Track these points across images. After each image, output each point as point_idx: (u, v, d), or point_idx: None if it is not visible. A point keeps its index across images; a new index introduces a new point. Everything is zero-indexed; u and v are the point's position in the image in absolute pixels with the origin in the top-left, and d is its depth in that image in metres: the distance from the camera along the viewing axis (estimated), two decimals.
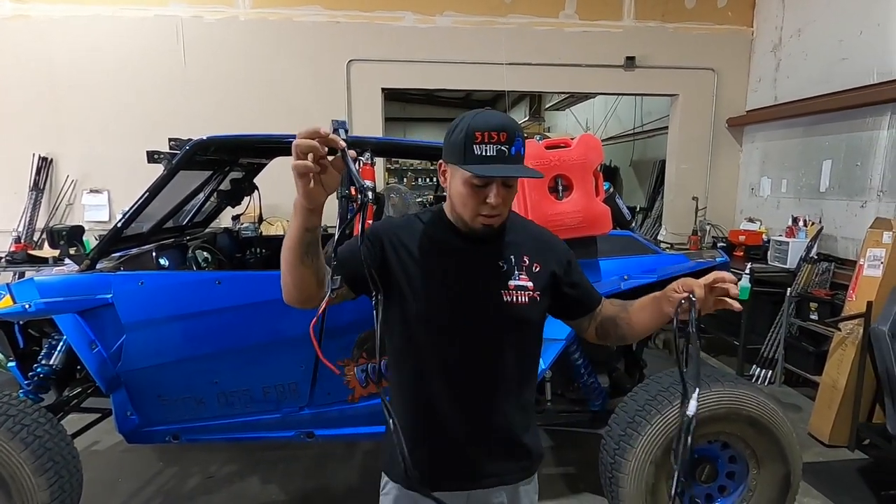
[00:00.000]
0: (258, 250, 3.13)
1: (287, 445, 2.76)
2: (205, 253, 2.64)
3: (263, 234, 3.72)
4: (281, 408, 2.16)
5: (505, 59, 4.73)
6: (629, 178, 7.41)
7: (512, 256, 1.17)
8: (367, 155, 2.18)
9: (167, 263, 2.35)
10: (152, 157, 2.25)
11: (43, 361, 2.23)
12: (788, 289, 3.66)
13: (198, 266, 2.51)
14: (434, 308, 1.11)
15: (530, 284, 1.17)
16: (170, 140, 2.25)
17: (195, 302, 2.05)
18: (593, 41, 4.85)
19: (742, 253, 4.30)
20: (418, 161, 11.90)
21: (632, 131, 6.86)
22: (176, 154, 2.15)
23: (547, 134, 8.70)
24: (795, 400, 3.55)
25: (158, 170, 2.17)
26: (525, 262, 1.18)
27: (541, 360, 2.13)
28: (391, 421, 1.02)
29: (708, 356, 4.55)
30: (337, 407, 2.19)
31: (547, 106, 8.96)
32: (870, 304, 2.61)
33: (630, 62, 4.86)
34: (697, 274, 2.27)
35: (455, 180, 1.09)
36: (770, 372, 3.72)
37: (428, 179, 11.65)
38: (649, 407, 1.94)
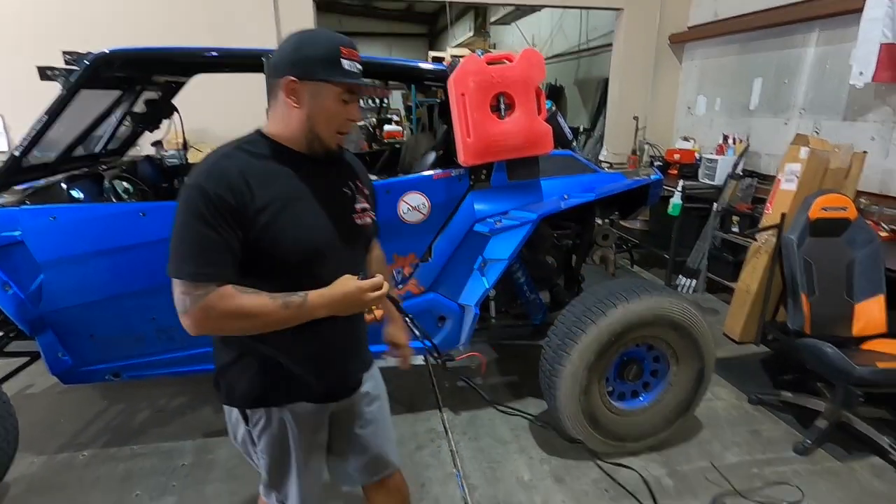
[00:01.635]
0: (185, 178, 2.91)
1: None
2: (124, 183, 2.43)
3: (191, 161, 3.45)
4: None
5: None
6: (573, 98, 7.37)
7: (350, 182, 1.22)
8: None
9: (81, 196, 2.15)
10: (45, 73, 1.96)
11: None
12: (715, 204, 3.90)
13: (117, 197, 2.31)
14: (305, 237, 1.10)
15: (368, 206, 1.25)
16: (64, 53, 1.97)
17: (119, 236, 1.91)
18: None
19: (676, 171, 4.49)
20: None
21: (577, 48, 6.72)
22: (74, 70, 1.89)
23: (490, 49, 8.36)
24: (714, 305, 3.92)
25: (58, 89, 1.92)
26: (359, 185, 1.25)
27: (484, 280, 2.23)
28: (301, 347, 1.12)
29: (641, 269, 4.88)
30: None
31: (492, 20, 8.53)
32: (783, 215, 2.83)
33: None
34: (633, 192, 2.38)
35: (321, 97, 1.08)
36: (694, 281, 4.06)
37: (370, 101, 11.06)
38: (584, 318, 2.08)
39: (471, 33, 8.62)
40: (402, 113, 10.39)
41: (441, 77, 2.13)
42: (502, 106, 2.04)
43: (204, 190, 1.00)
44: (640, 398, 2.28)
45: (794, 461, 2.23)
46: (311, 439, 1.25)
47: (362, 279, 1.09)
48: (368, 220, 1.24)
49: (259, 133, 1.13)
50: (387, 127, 7.25)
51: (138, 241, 1.91)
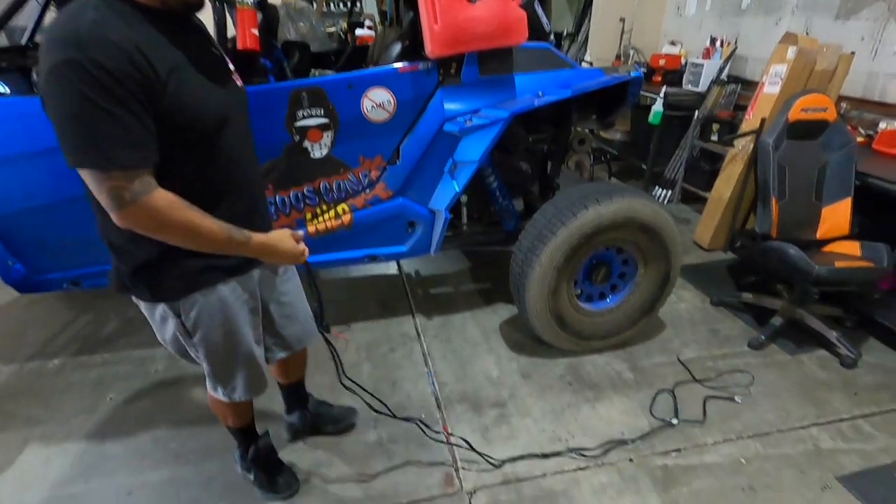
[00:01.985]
0: None
1: None
2: None
3: None
4: None
5: None
6: (558, 1, 6.86)
7: (211, 43, 1.15)
8: None
9: (7, 90, 1.94)
10: None
11: None
12: (696, 111, 3.79)
13: None
14: (211, 103, 1.06)
15: (233, 67, 1.20)
16: None
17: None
18: None
19: (660, 78, 4.30)
20: None
21: None
22: None
23: None
24: (688, 215, 3.96)
25: None
26: (218, 47, 1.18)
27: (454, 184, 2.16)
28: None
29: (619, 182, 4.84)
30: None
31: None
32: (763, 120, 2.76)
33: None
34: (614, 88, 2.26)
35: None
36: (670, 192, 4.06)
37: (342, 5, 10.14)
38: (555, 221, 2.05)
39: None
40: (377, 19, 9.61)
41: None
42: None
43: (99, 63, 0.86)
44: (607, 300, 2.34)
45: (747, 355, 2.36)
46: (247, 312, 1.27)
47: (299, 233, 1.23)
48: (240, 82, 1.21)
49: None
50: (359, 31, 6.69)
51: None
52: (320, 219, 2.16)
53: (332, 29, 6.99)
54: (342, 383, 1.63)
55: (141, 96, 0.92)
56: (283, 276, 1.42)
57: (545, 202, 2.59)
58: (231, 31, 1.94)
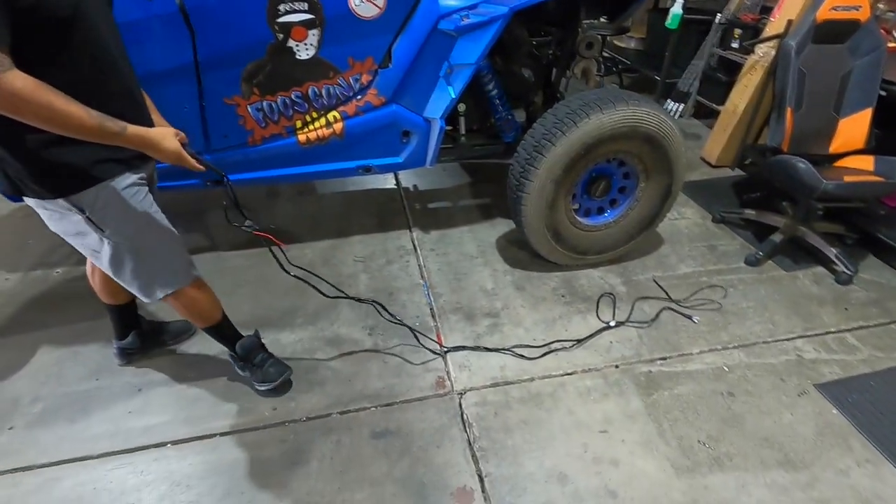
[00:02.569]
0: None
1: (203, 196, 2.71)
2: None
3: None
4: None
5: None
6: None
7: None
8: None
9: None
10: None
11: None
12: (718, 15, 3.49)
13: None
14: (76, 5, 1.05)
15: None
16: None
17: None
18: None
19: None
20: None
21: None
22: None
23: None
24: (698, 130, 3.79)
25: None
26: None
27: (450, 90, 2.04)
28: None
29: None
30: (239, 151, 2.06)
31: None
32: (789, 23, 2.54)
33: None
34: None
35: None
36: (682, 105, 3.86)
37: None
38: (555, 130, 1.96)
39: None
40: None
41: None
42: None
43: None
44: (606, 214, 2.30)
45: (742, 271, 2.36)
46: (151, 200, 1.32)
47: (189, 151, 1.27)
48: None
49: None
50: None
51: None
52: (310, 127, 2.07)
53: None
54: (288, 272, 1.63)
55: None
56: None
57: None
58: None
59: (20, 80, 0.97)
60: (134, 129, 1.14)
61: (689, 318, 2.09)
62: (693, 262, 2.43)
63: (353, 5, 1.83)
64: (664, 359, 1.91)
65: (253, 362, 1.73)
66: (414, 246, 2.51)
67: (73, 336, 1.97)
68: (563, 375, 1.84)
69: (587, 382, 1.81)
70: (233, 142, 2.03)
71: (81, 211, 1.21)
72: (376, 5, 1.85)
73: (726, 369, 1.87)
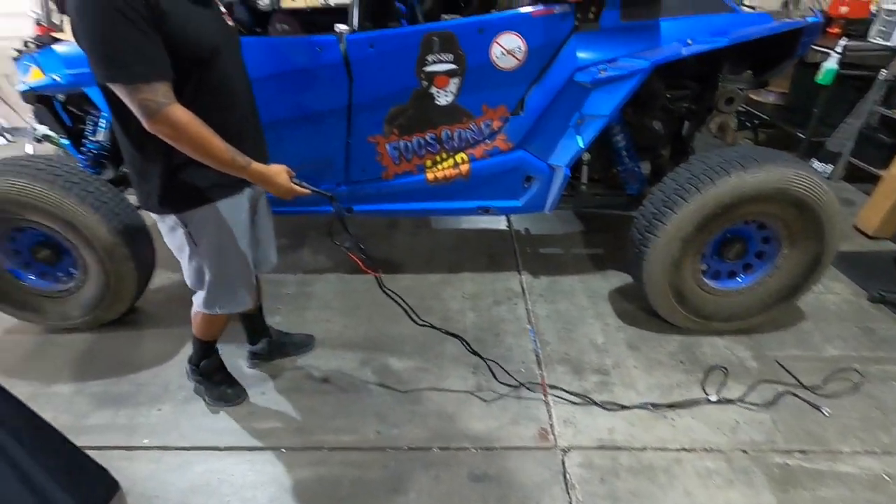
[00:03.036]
0: (280, 26, 2.86)
1: (334, 222, 2.94)
2: None
3: (282, 6, 3.37)
4: (318, 183, 2.21)
5: None
6: None
7: None
8: None
9: None
10: None
11: (91, 138, 2.32)
12: (883, 71, 3.15)
13: None
14: (205, 34, 1.22)
15: (224, 10, 1.36)
16: None
17: None
18: None
19: (839, 29, 3.61)
20: None
21: None
22: None
23: None
24: (851, 195, 3.38)
25: None
26: None
27: (578, 139, 2.05)
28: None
29: None
30: (372, 184, 2.24)
31: None
32: None
33: None
34: (781, 37, 1.94)
35: None
36: (831, 166, 3.48)
37: None
38: (688, 185, 1.87)
39: None
40: None
41: None
42: None
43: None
44: (739, 279, 2.12)
45: None
46: (242, 224, 1.47)
47: (296, 181, 1.43)
48: (230, 21, 1.37)
49: None
50: None
51: None
52: (439, 166, 2.19)
53: None
54: (384, 291, 1.69)
55: (151, 22, 1.09)
56: (262, 202, 1.62)
57: (677, 166, 2.39)
58: None
59: (181, 113, 1.15)
60: (256, 165, 1.31)
61: (819, 409, 1.81)
62: (843, 344, 2.12)
63: (494, 57, 1.93)
64: (804, 452, 1.67)
65: (212, 380, 1.87)
66: (522, 289, 2.49)
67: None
68: (679, 450, 1.68)
69: (708, 464, 1.63)
70: (369, 175, 2.21)
71: (185, 226, 1.39)
72: (516, 58, 1.94)
73: (888, 479, 1.58)
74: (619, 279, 2.53)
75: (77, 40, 1.12)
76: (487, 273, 2.62)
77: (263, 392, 1.93)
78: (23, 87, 2.16)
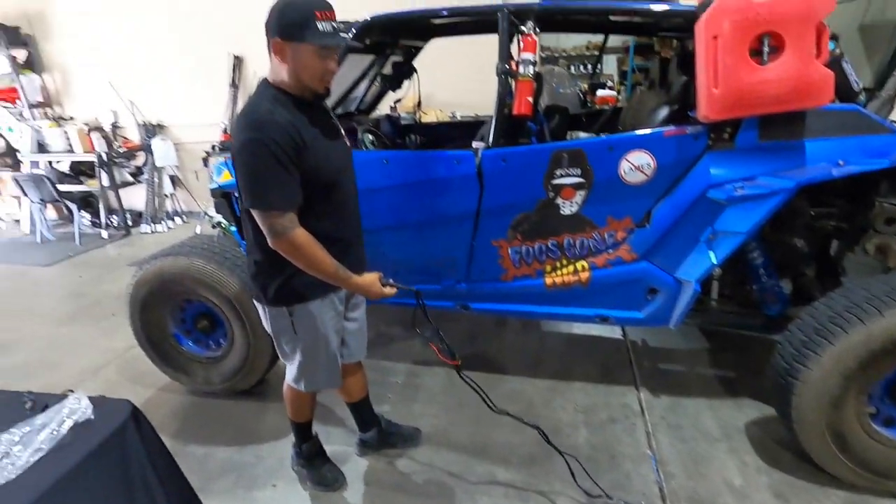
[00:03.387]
0: (416, 137, 3.24)
1: (445, 315, 3.04)
2: (370, 136, 2.82)
3: (423, 121, 3.83)
4: (441, 280, 2.36)
5: None
6: (853, 49, 5.77)
7: (330, 116, 1.55)
8: (530, 24, 2.01)
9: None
10: None
11: None
12: None
13: (366, 148, 2.71)
14: (332, 165, 1.47)
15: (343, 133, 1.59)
16: (339, 23, 2.34)
17: (367, 179, 2.21)
18: None
19: None
20: (571, 45, 10.75)
21: None
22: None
23: None
24: None
25: None
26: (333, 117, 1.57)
27: (711, 255, 1.96)
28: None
29: None
30: (491, 284, 2.31)
31: None
32: None
33: None
34: None
35: (302, 55, 1.33)
36: None
37: (581, 67, 10.52)
38: (848, 315, 1.67)
39: None
40: (616, 78, 9.66)
41: (686, 21, 1.88)
42: (766, 49, 1.70)
43: (274, 141, 1.30)
44: None
45: None
46: (334, 319, 1.64)
47: (385, 281, 1.59)
48: (349, 143, 1.61)
49: (267, 82, 1.42)
50: (599, 92, 6.80)
51: (381, 184, 2.21)
52: (559, 272, 2.21)
53: (572, 89, 7.30)
54: (462, 378, 1.73)
55: (296, 160, 1.34)
56: (356, 300, 1.78)
57: (826, 288, 2.17)
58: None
59: (303, 237, 1.39)
60: (356, 278, 1.51)
61: None
62: None
63: (623, 172, 1.98)
64: None
65: (312, 464, 1.95)
66: (641, 408, 2.30)
67: (335, 420, 2.30)
68: None
69: None
70: (489, 276, 2.29)
71: (290, 315, 1.58)
72: (644, 173, 1.97)
73: None
74: (755, 409, 2.24)
75: (234, 168, 1.41)
76: (600, 385, 2.48)
77: (368, 484, 1.94)
78: (213, 185, 2.65)
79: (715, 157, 1.91)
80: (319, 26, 1.30)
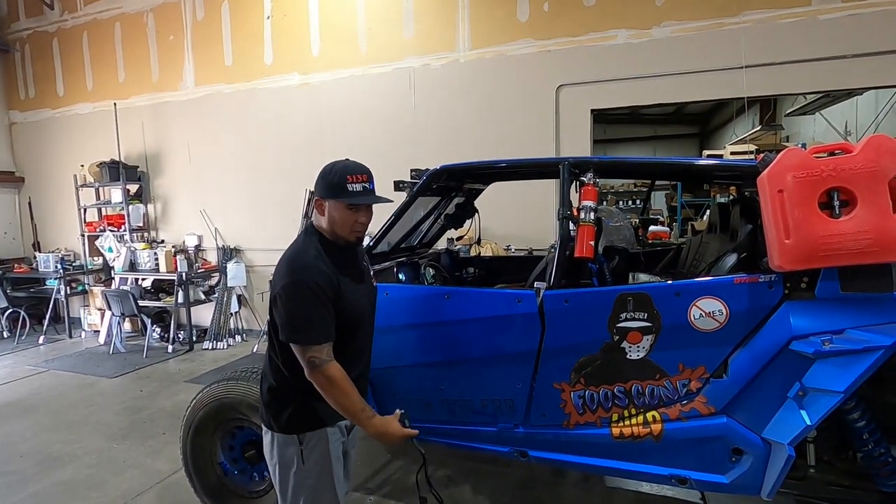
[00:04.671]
0: (474, 270, 3.34)
1: (499, 461, 2.82)
2: (430, 269, 2.94)
3: (480, 254, 3.98)
4: (497, 422, 2.23)
5: (743, 61, 4.16)
6: None
7: (362, 260, 1.77)
8: (590, 175, 2.14)
9: (404, 278, 2.69)
10: (398, 185, 2.61)
11: None
12: None
13: (427, 281, 2.80)
14: (358, 307, 1.64)
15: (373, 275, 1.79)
16: (411, 170, 2.60)
17: (428, 313, 2.28)
18: (863, 25, 3.92)
19: None
20: (619, 183, 11.27)
21: None
22: (417, 182, 2.47)
23: (785, 144, 7.31)
24: None
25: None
26: (365, 262, 1.79)
27: (803, 414, 1.76)
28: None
29: None
30: (552, 430, 2.15)
31: (788, 111, 7.56)
32: None
33: None
34: None
35: (336, 210, 1.57)
36: None
37: (630, 202, 10.90)
38: None
39: (757, 128, 7.76)
40: (665, 213, 9.85)
41: (748, 174, 1.94)
42: (836, 203, 1.70)
43: (316, 283, 1.50)
44: None
45: None
46: (339, 450, 1.68)
47: (402, 421, 1.62)
48: (374, 283, 1.81)
49: (313, 227, 1.63)
50: (652, 227, 6.95)
51: (440, 319, 2.23)
52: (626, 422, 2.04)
53: (621, 223, 7.48)
54: None
55: (333, 300, 1.53)
56: (354, 434, 1.80)
57: None
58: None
59: (336, 371, 1.51)
60: (377, 419, 1.56)
61: None
62: None
63: (693, 318, 1.91)
64: None
65: None
66: None
67: None
68: None
69: None
70: (549, 421, 2.14)
71: (300, 444, 1.61)
72: (717, 320, 1.89)
73: None
74: None
75: (273, 305, 1.55)
76: None
77: None
78: None
79: (795, 308, 1.82)
80: (349, 187, 1.54)
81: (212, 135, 6.16)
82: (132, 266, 5.96)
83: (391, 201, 1.72)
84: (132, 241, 6.18)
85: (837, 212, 1.69)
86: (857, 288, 1.76)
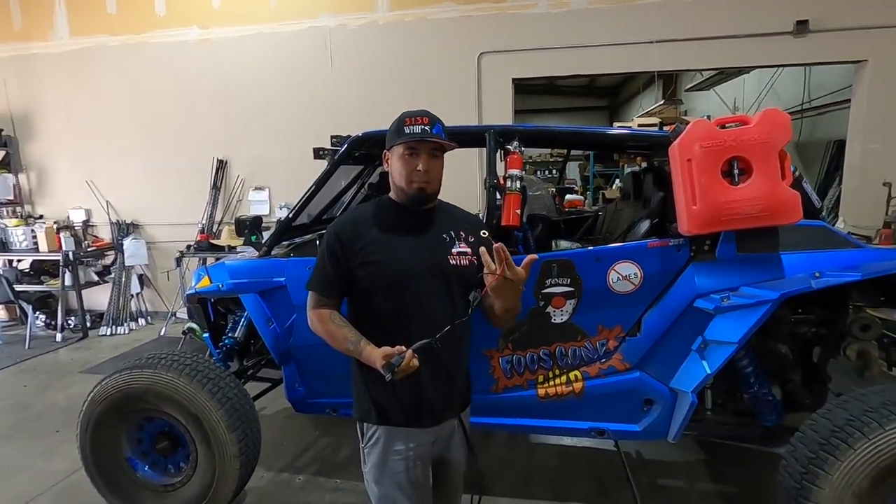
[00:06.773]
0: None
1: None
2: None
3: None
4: None
5: (654, 36, 4.36)
6: (793, 163, 6.43)
7: (451, 231, 1.49)
8: (515, 143, 2.14)
9: None
10: (318, 153, 2.45)
11: (230, 334, 2.58)
12: None
13: None
14: (393, 266, 1.41)
15: (468, 251, 1.48)
16: (332, 137, 2.45)
17: None
18: (756, 5, 4.26)
19: None
20: (537, 153, 11.63)
21: (799, 107, 5.93)
22: (338, 150, 2.33)
23: (685, 118, 7.92)
24: None
25: (309, 169, 2.37)
26: (462, 234, 1.50)
27: (704, 364, 1.95)
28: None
29: None
30: (481, 396, 2.19)
31: (687, 87, 8.14)
32: None
33: (802, 26, 4.18)
34: None
35: (393, 159, 1.43)
36: None
37: (548, 172, 11.31)
38: (850, 429, 1.64)
39: (660, 102, 8.31)
40: (579, 183, 10.37)
41: (660, 144, 2.04)
42: (735, 171, 1.84)
43: (334, 233, 1.46)
44: None
45: None
46: (405, 473, 1.43)
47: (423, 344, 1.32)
48: (465, 262, 1.47)
49: (386, 196, 1.53)
50: (568, 196, 7.25)
51: None
52: (551, 383, 2.14)
53: (540, 192, 7.75)
54: None
55: (342, 259, 1.43)
56: (453, 442, 1.56)
57: (814, 396, 2.16)
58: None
59: (315, 315, 1.47)
60: (366, 352, 1.36)
61: None
62: None
63: (611, 282, 2.02)
64: None
65: None
66: None
67: None
68: None
69: None
70: (478, 388, 2.17)
71: (361, 434, 1.49)
72: (632, 283, 2.01)
73: None
74: None
75: None
76: None
77: None
78: (191, 291, 2.54)
79: (699, 268, 1.98)
80: (406, 129, 1.39)
81: (96, 94, 5.40)
82: (3, 246, 5.18)
83: (455, 146, 1.46)
84: (1, 217, 5.34)
85: (737, 179, 1.84)
86: (751, 249, 1.94)
